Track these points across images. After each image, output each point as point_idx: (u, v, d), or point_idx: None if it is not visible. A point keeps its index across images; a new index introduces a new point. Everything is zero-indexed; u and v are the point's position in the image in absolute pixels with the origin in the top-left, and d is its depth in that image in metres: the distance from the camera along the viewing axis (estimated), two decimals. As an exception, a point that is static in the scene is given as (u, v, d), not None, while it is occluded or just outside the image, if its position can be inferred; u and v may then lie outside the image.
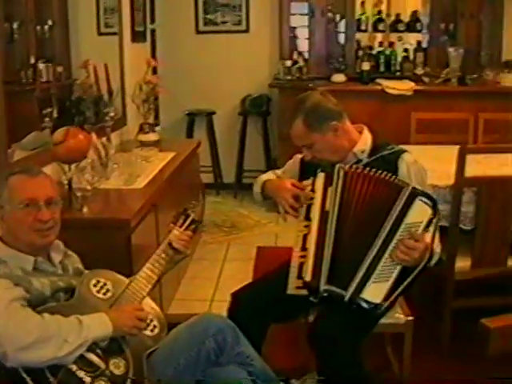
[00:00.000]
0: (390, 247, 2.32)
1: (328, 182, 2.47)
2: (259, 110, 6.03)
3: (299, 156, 2.79)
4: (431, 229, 2.34)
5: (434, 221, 2.33)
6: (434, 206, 2.33)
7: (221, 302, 3.93)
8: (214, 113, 6.11)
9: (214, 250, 4.73)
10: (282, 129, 5.60)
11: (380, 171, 2.39)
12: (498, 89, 5.24)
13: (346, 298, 2.35)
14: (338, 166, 2.47)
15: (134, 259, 2.77)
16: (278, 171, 2.91)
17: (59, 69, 3.99)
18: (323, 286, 2.39)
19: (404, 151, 2.59)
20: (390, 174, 2.40)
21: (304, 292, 2.47)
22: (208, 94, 6.08)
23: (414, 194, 2.32)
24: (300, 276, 2.47)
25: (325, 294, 2.41)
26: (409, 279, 2.34)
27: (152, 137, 4.35)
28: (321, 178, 2.50)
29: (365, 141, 2.61)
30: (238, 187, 6.20)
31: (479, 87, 5.28)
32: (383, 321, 2.55)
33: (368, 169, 2.41)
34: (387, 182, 2.38)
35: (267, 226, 5.37)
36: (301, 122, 2.51)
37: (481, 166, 3.35)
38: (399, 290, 2.35)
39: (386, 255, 2.33)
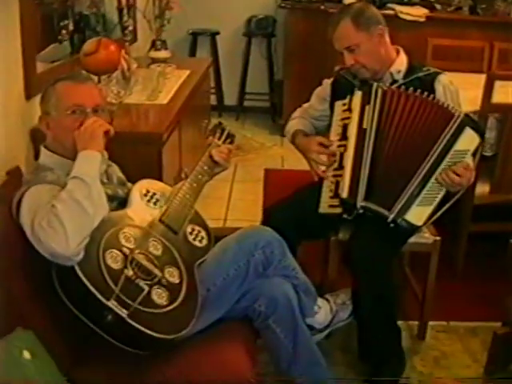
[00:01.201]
0: (437, 172, 2.35)
1: (365, 100, 2.48)
2: (264, 31, 5.95)
3: (328, 81, 2.77)
4: (477, 156, 2.38)
5: (479, 150, 2.37)
6: (482, 135, 2.36)
7: (234, 220, 4.00)
8: (217, 33, 6.00)
9: (222, 170, 4.74)
10: (289, 51, 5.57)
11: (424, 92, 2.40)
12: (509, 20, 5.20)
13: (390, 219, 2.39)
14: (375, 84, 2.48)
15: (163, 172, 2.77)
16: (306, 104, 2.89)
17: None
18: (360, 203, 2.43)
19: (440, 72, 2.60)
20: (433, 96, 2.41)
21: (337, 210, 2.51)
22: (212, 14, 5.95)
23: (465, 122, 2.34)
24: (335, 194, 2.50)
25: (361, 211, 2.45)
26: (449, 203, 2.39)
27: (164, 54, 4.25)
28: (358, 96, 2.51)
29: (401, 61, 2.61)
30: (240, 110, 6.18)
31: (491, 17, 5.26)
32: (411, 240, 2.62)
33: (411, 89, 2.42)
34: (435, 106, 2.39)
35: (272, 148, 5.40)
36: (349, 21, 2.48)
37: (498, 94, 3.36)
38: (439, 213, 2.40)
39: (433, 180, 2.37)
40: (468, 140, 2.35)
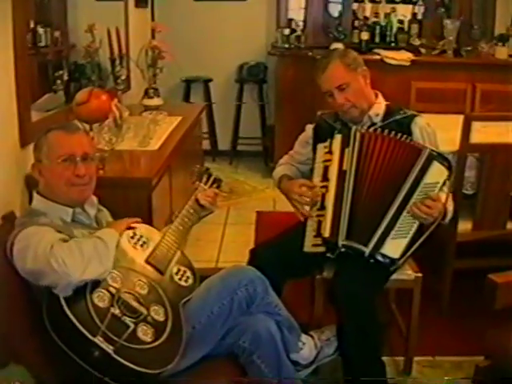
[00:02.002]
0: (409, 206, 2.46)
1: (345, 143, 2.60)
2: (256, 77, 6.12)
3: (311, 126, 2.90)
4: (445, 189, 2.49)
5: (448, 182, 2.48)
6: (450, 168, 2.47)
7: (225, 263, 4.06)
8: (210, 80, 6.17)
9: (215, 214, 4.77)
10: (280, 96, 5.71)
11: (398, 134, 2.53)
12: (492, 61, 5.34)
13: (367, 254, 2.49)
14: (354, 128, 2.60)
15: (153, 217, 2.86)
16: (292, 151, 3.02)
17: (57, 33, 4.04)
18: (341, 242, 2.53)
19: (416, 115, 2.73)
20: (406, 137, 2.53)
21: (320, 249, 2.61)
22: (205, 61, 6.13)
23: (432, 156, 2.46)
24: (318, 233, 2.60)
25: (342, 250, 2.54)
26: (424, 236, 2.49)
27: (156, 101, 4.39)
28: (337, 139, 2.63)
29: (379, 104, 2.74)
30: (233, 154, 6.32)
31: (475, 59, 5.38)
32: (394, 277, 2.70)
33: (386, 131, 2.54)
34: (406, 145, 2.52)
35: (264, 191, 5.50)
36: (338, 61, 2.64)
37: (480, 134, 3.47)
38: (415, 246, 2.49)
39: (405, 213, 2.47)
40: (436, 173, 2.47)
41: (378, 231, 2.48)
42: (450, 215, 2.60)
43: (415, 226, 2.49)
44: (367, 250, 2.49)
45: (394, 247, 2.49)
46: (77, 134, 2.27)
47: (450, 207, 2.60)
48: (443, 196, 2.48)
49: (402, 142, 2.52)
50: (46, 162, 2.21)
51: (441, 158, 2.48)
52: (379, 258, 2.49)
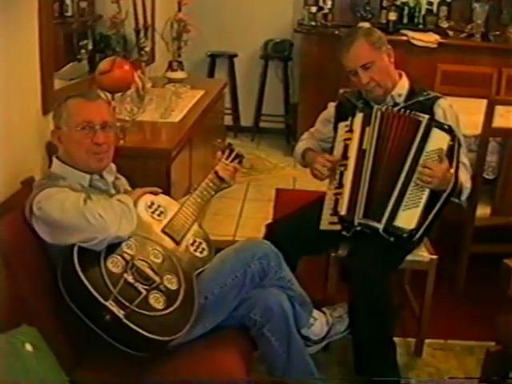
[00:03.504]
0: (415, 175, 2.48)
1: (366, 122, 2.60)
2: (281, 54, 6.07)
3: (333, 104, 2.89)
4: (454, 156, 2.50)
5: (456, 147, 2.49)
6: (451, 132, 2.48)
7: (242, 238, 4.06)
8: (235, 55, 6.14)
9: (234, 189, 4.78)
10: (305, 74, 5.69)
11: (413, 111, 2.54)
12: (520, 47, 5.27)
13: (381, 229, 2.49)
14: (376, 107, 2.59)
15: (172, 188, 2.87)
16: (313, 129, 3.02)
17: (83, 4, 4.05)
18: (358, 220, 2.53)
19: (439, 97, 2.71)
20: (415, 112, 2.54)
21: (336, 227, 2.61)
22: (230, 37, 6.09)
23: (430, 123, 2.49)
24: (335, 211, 2.61)
25: (358, 228, 2.54)
26: (438, 205, 2.51)
27: (180, 74, 4.39)
28: (359, 118, 2.63)
29: (403, 85, 2.72)
30: (255, 131, 6.31)
31: (502, 44, 5.33)
32: (409, 258, 2.71)
33: (403, 110, 2.54)
34: (411, 118, 2.53)
35: (285, 169, 5.50)
36: (363, 40, 2.61)
37: (503, 118, 3.45)
38: (431, 216, 2.51)
39: (412, 183, 2.49)
40: (438, 139, 2.49)
41: (389, 205, 2.50)
42: (466, 192, 2.61)
43: (425, 194, 2.49)
44: (381, 226, 2.50)
45: (407, 218, 2.50)
46: (96, 101, 2.28)
47: (468, 184, 2.61)
48: (448, 161, 2.48)
49: (408, 117, 2.54)
50: (66, 129, 2.22)
51: (440, 123, 2.50)
52: (395, 231, 2.49)
